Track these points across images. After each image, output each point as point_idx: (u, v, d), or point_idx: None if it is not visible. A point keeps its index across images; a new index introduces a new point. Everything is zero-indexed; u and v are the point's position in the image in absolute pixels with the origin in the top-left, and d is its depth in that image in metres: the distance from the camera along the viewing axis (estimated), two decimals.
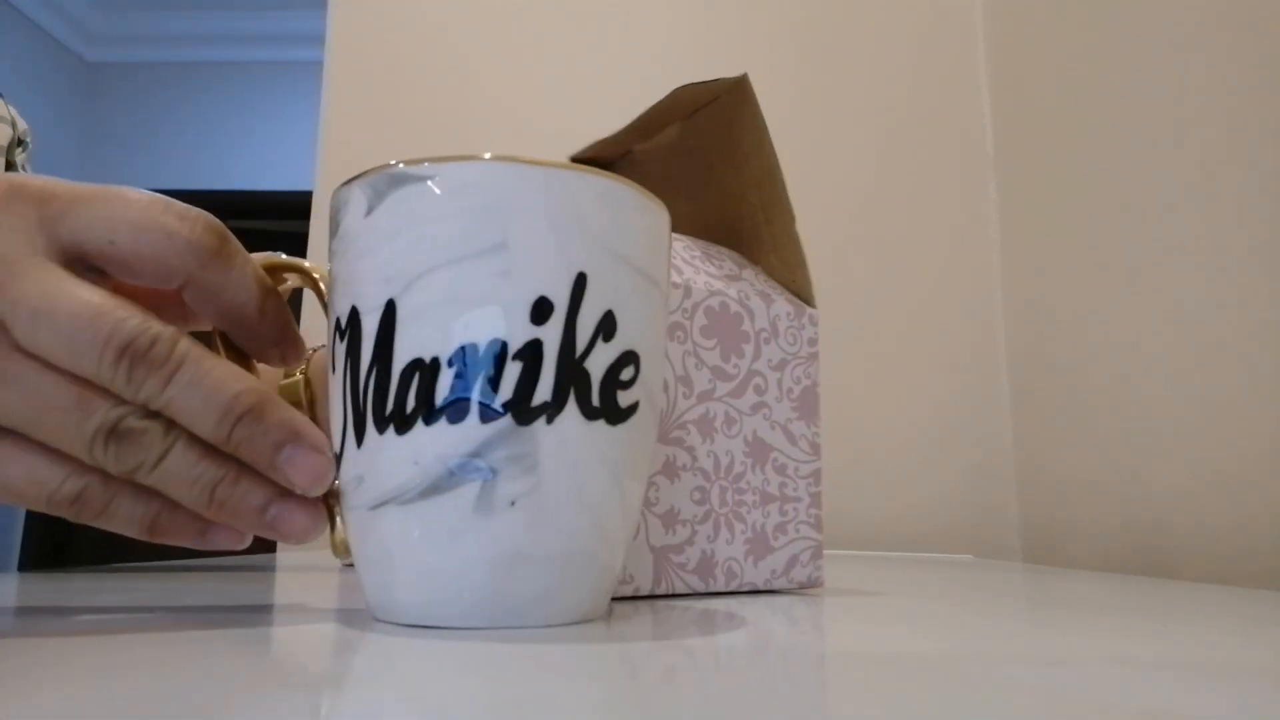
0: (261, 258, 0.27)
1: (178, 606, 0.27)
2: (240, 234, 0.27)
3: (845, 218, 0.91)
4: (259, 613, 0.27)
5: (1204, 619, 0.30)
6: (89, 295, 0.21)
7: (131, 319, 0.22)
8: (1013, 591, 0.41)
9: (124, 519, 0.24)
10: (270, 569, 0.50)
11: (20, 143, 0.57)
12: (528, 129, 0.96)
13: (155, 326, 0.22)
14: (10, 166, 0.55)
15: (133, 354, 0.21)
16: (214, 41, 3.09)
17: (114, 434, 0.22)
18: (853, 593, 0.37)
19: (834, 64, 0.96)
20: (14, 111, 0.57)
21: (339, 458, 0.24)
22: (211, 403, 0.22)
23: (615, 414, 0.23)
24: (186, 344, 0.22)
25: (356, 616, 0.25)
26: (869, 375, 0.89)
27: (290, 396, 0.32)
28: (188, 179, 3.02)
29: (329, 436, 0.24)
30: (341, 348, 0.23)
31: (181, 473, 0.23)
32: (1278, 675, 0.19)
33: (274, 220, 3.01)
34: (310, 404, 0.33)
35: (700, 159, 0.40)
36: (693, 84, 0.38)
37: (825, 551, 0.78)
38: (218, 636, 0.21)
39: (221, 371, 0.23)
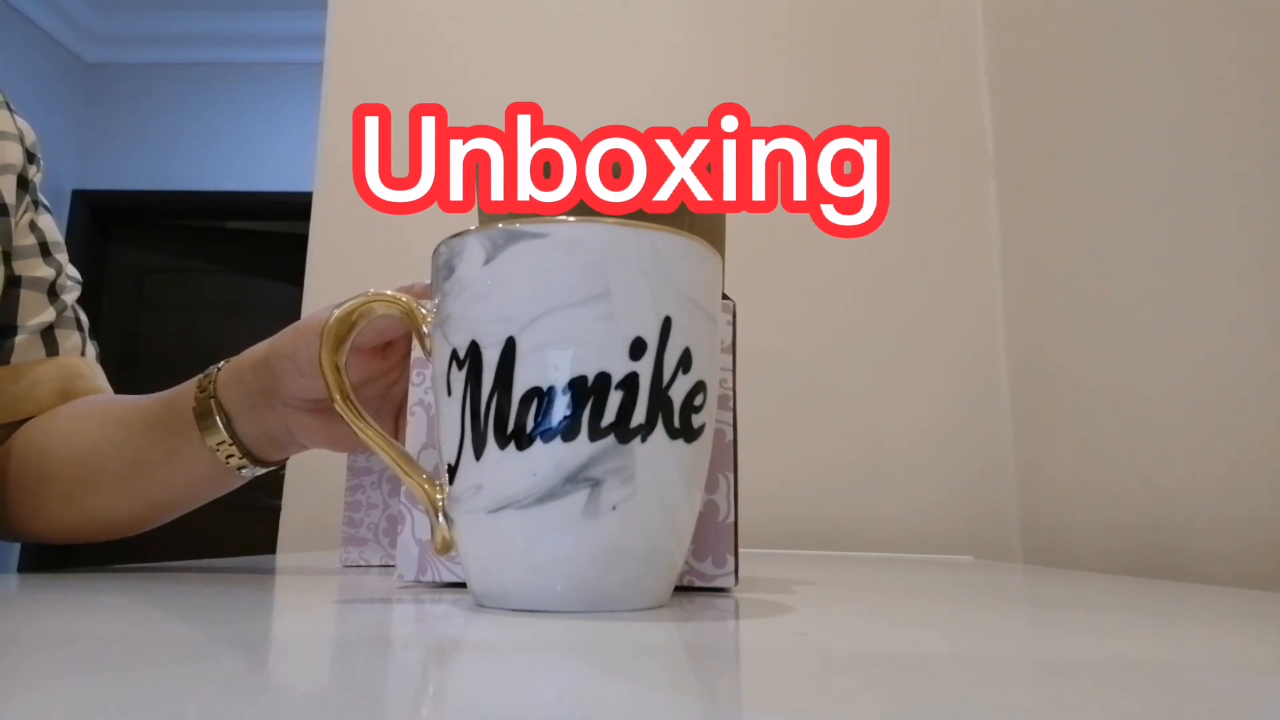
0: (365, 296, 0.30)
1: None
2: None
3: None
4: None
5: (1205, 620, 0.30)
6: None
7: None
8: (1012, 592, 0.41)
9: None
10: (270, 571, 0.50)
11: (31, 157, 0.54)
12: None
13: None
14: (24, 185, 0.53)
15: None
16: (214, 41, 3.09)
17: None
18: (852, 593, 0.37)
19: (834, 64, 0.96)
20: (22, 123, 0.54)
21: (454, 469, 0.27)
22: None
23: (690, 434, 0.27)
24: None
25: (462, 603, 0.29)
26: (869, 376, 0.89)
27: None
28: (187, 179, 3.01)
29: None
30: (460, 375, 0.27)
31: None
32: (1277, 675, 0.19)
33: (274, 220, 3.01)
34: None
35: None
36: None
37: (827, 552, 0.78)
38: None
39: None
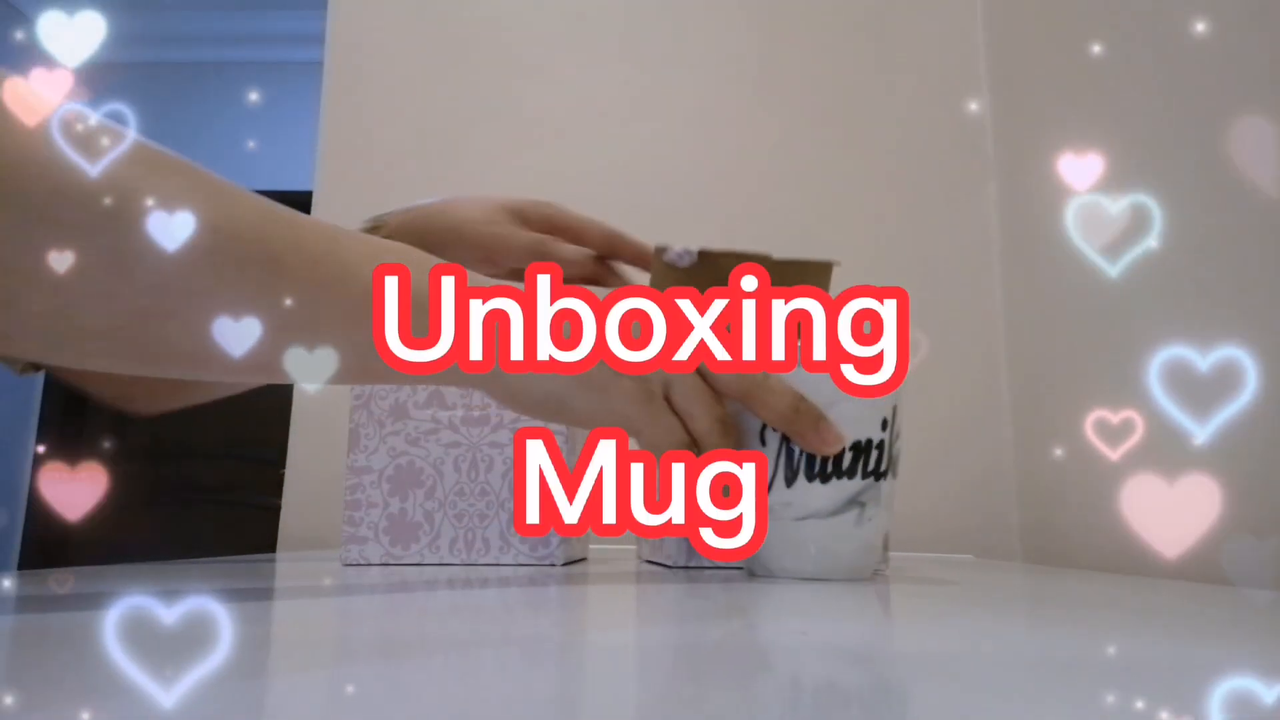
0: None
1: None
2: None
3: (845, 218, 0.91)
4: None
5: (1206, 619, 0.30)
6: None
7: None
8: (1012, 591, 0.41)
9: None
10: (270, 571, 0.50)
11: None
12: (528, 128, 0.96)
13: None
14: None
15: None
16: (214, 41, 3.09)
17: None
18: (853, 591, 0.37)
19: (833, 64, 0.96)
20: None
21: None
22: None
23: (897, 473, 0.43)
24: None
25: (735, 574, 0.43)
26: None
27: None
28: None
29: None
30: (775, 434, 0.40)
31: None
32: (1274, 673, 0.19)
33: None
34: None
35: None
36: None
37: None
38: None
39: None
